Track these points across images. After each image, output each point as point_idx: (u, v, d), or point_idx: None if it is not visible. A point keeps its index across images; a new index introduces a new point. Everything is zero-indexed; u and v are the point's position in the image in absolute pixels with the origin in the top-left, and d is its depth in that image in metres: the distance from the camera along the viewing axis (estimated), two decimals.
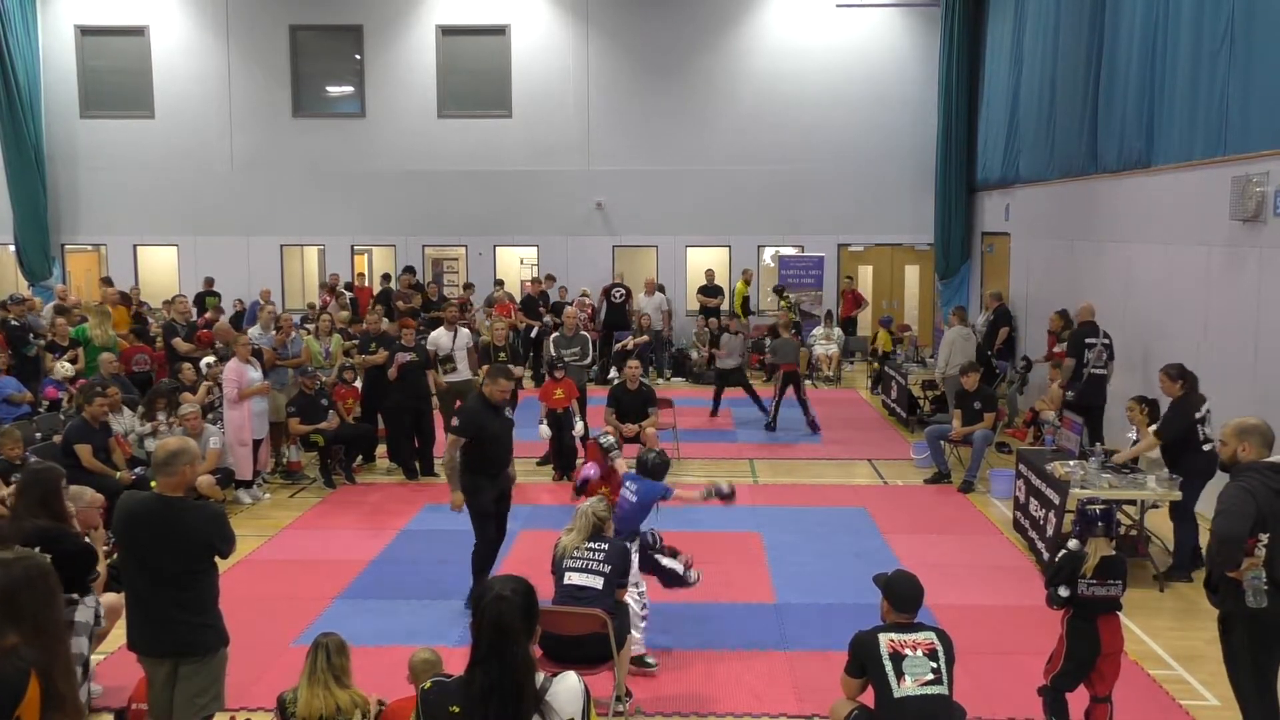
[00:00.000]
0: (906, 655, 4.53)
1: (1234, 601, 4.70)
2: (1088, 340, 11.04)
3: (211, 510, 4.82)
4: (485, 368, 9.77)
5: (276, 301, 18.12)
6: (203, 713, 4.71)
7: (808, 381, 17.82)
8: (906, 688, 4.46)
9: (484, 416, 7.33)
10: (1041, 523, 8.50)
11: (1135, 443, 8.65)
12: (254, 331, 11.70)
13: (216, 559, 4.76)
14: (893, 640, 4.59)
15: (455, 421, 7.34)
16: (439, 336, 11.76)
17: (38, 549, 5.09)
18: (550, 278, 19.16)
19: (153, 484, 4.96)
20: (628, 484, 7.05)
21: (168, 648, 4.65)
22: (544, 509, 10.17)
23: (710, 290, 19.19)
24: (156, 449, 4.77)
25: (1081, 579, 5.21)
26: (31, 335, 12.62)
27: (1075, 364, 11.04)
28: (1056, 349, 12.34)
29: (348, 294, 17.95)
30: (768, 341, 15.13)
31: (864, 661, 4.61)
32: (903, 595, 4.74)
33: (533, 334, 17.36)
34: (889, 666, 4.50)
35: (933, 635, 4.64)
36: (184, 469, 4.62)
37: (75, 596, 5.39)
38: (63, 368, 12.31)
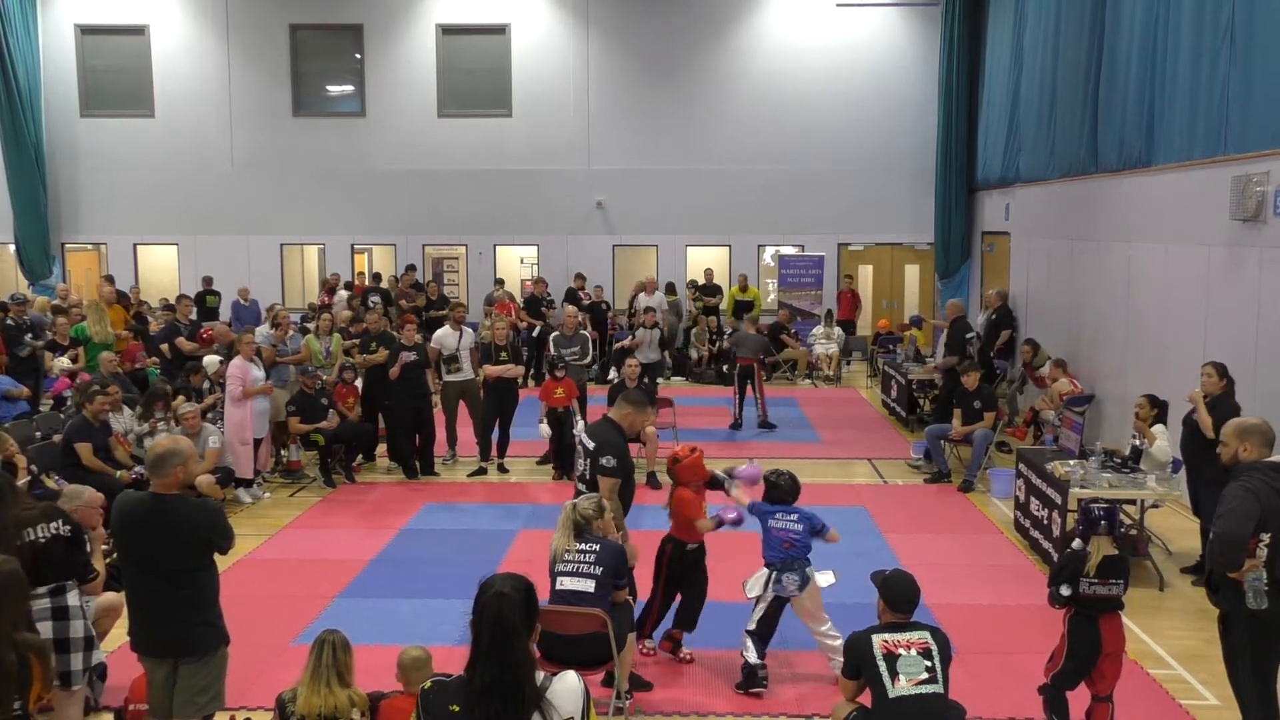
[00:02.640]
0: (900, 655, 4.53)
1: (1234, 601, 4.69)
2: (968, 335, 11.93)
3: (208, 507, 4.81)
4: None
5: (276, 301, 18.08)
6: (203, 712, 4.71)
7: (807, 381, 17.88)
8: (901, 687, 4.46)
9: (630, 461, 6.44)
10: (1045, 522, 8.50)
11: (1136, 444, 8.65)
12: (262, 330, 11.72)
13: (216, 557, 4.76)
14: (886, 640, 4.59)
15: (609, 462, 6.30)
16: (444, 335, 11.72)
17: (59, 520, 5.17)
18: (580, 277, 19.23)
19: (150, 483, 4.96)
20: (780, 516, 6.34)
21: (168, 647, 4.65)
22: (544, 509, 10.16)
23: (709, 289, 19.19)
24: (148, 451, 4.77)
25: (1083, 578, 5.21)
26: (29, 335, 12.56)
27: (960, 359, 11.92)
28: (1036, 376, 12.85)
29: (346, 293, 17.90)
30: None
31: (859, 663, 4.61)
32: (898, 594, 4.74)
33: (534, 333, 17.38)
34: (883, 666, 4.50)
35: (927, 634, 4.64)
36: (176, 470, 4.61)
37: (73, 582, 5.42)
38: (62, 363, 12.29)
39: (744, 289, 19.00)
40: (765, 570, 6.30)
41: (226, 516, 4.92)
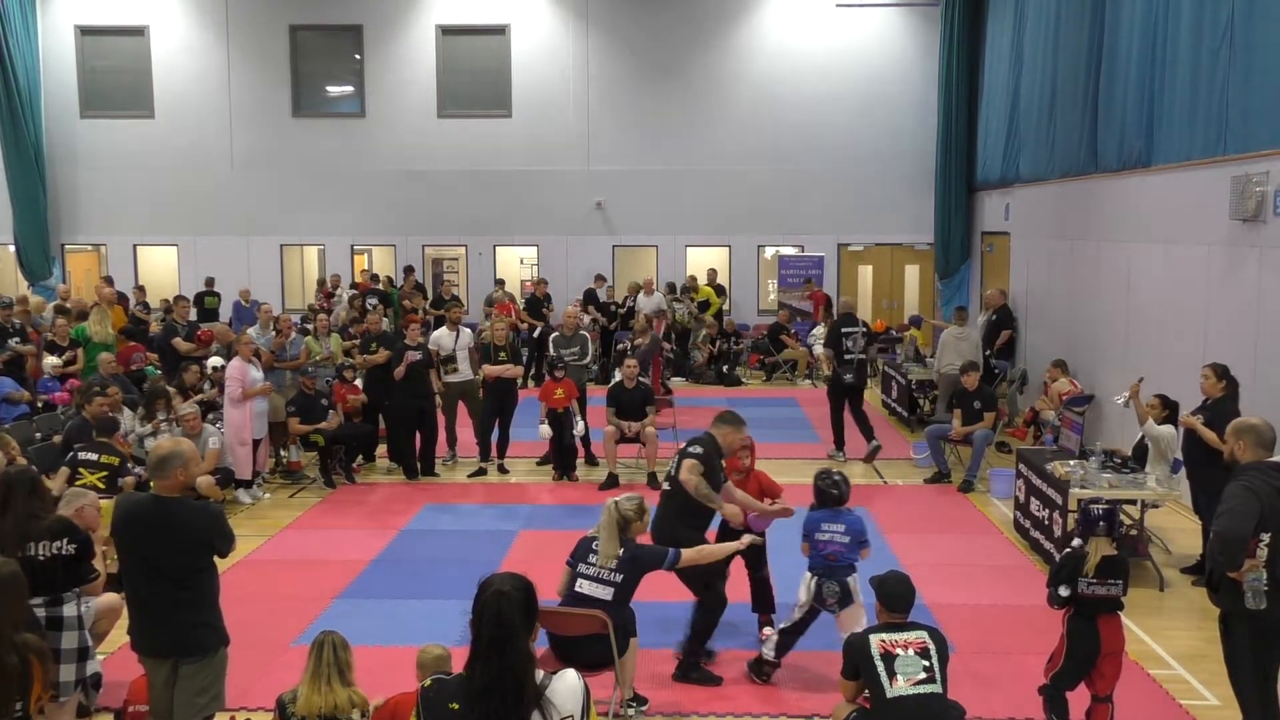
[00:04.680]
0: (898, 655, 4.54)
1: (1235, 601, 4.69)
2: (845, 330, 12.06)
3: (209, 509, 4.82)
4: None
5: (275, 301, 18.10)
6: (203, 712, 4.71)
7: (807, 381, 17.90)
8: (899, 687, 4.47)
9: (717, 462, 6.51)
10: (1046, 523, 8.49)
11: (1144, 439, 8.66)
12: (253, 332, 11.71)
13: (216, 559, 4.76)
14: (883, 641, 4.60)
15: (699, 449, 6.39)
16: (441, 336, 11.73)
17: (65, 540, 5.18)
18: (600, 278, 19.35)
19: (151, 485, 4.97)
20: (826, 526, 6.22)
21: (168, 648, 4.66)
22: (544, 509, 10.17)
23: (713, 290, 19.20)
24: (150, 453, 4.78)
25: (1082, 578, 5.21)
26: (16, 340, 12.38)
27: (836, 353, 12.10)
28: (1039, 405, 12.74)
29: (352, 292, 17.85)
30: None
31: (857, 664, 4.62)
32: (893, 595, 4.77)
33: (534, 334, 17.38)
34: (881, 667, 4.51)
35: (924, 634, 4.65)
36: (177, 471, 4.62)
37: (78, 591, 5.41)
38: (51, 362, 12.23)
39: (696, 290, 18.92)
40: (808, 574, 6.26)
41: (227, 520, 4.92)
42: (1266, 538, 4.60)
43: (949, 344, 13.10)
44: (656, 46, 19.93)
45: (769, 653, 6.31)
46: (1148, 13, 10.96)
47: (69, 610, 5.27)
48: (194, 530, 4.61)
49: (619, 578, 5.64)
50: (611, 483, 10.79)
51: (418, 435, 11.47)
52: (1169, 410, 8.60)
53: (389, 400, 11.54)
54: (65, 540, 5.24)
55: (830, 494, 6.28)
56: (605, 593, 5.63)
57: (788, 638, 6.32)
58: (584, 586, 5.67)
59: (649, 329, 14.79)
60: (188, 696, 4.65)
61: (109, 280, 17.21)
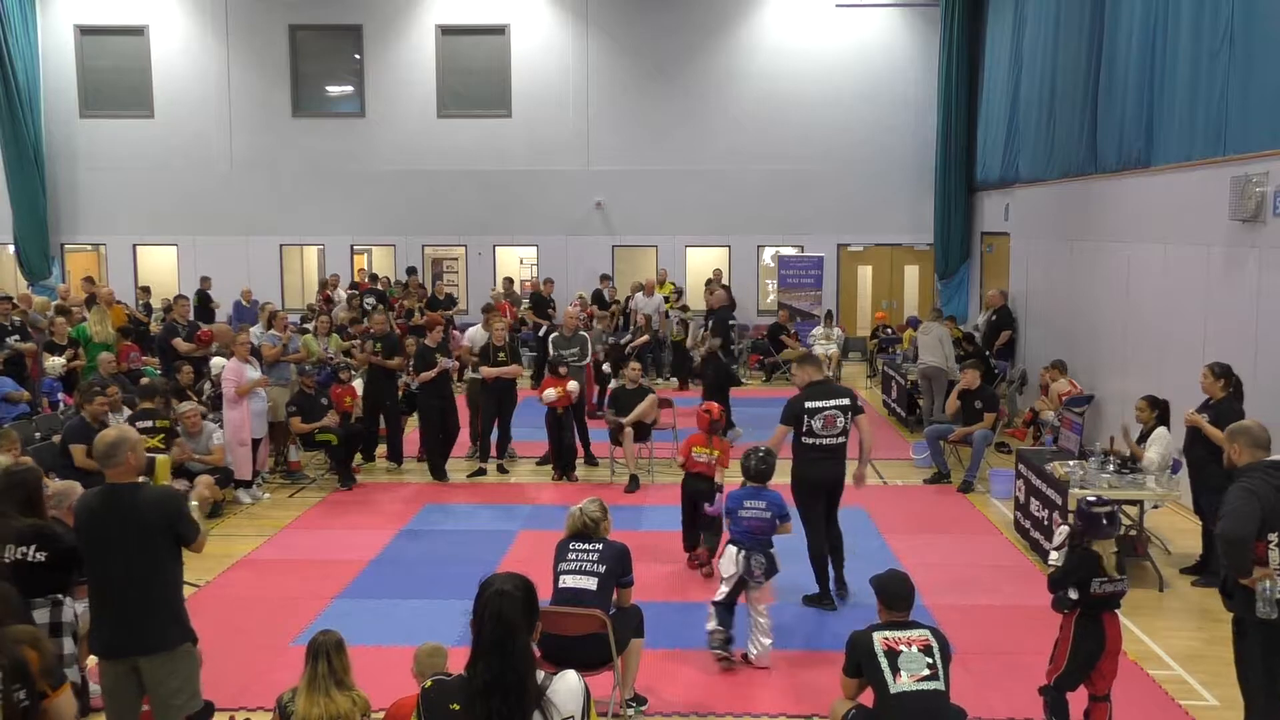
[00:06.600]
0: (902, 651, 4.55)
1: (1247, 606, 4.69)
2: (730, 321, 12.99)
3: (170, 494, 4.72)
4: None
5: (274, 301, 18.07)
6: (183, 712, 4.67)
7: None
8: (903, 683, 4.48)
9: (798, 406, 7.55)
10: (1046, 523, 8.48)
11: (1139, 443, 8.65)
12: (255, 330, 11.72)
13: (185, 555, 4.69)
14: (887, 638, 4.61)
15: (861, 400, 7.60)
16: (475, 334, 11.85)
17: (34, 546, 5.10)
18: (605, 277, 19.43)
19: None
20: (749, 504, 6.65)
21: (129, 645, 4.56)
22: (544, 509, 10.16)
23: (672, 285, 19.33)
24: (95, 444, 4.64)
25: (1097, 579, 5.20)
26: (15, 337, 12.34)
27: (724, 341, 12.89)
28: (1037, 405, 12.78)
29: (351, 292, 17.85)
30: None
31: (860, 660, 4.62)
32: (893, 594, 4.78)
33: (540, 333, 17.36)
34: (884, 663, 4.52)
35: (927, 632, 4.66)
36: (128, 455, 4.53)
37: (60, 597, 5.35)
38: (53, 364, 12.20)
39: (661, 284, 19.09)
40: (733, 549, 6.57)
41: (186, 504, 4.80)
42: (1274, 538, 4.60)
43: (920, 341, 13.33)
44: (656, 46, 19.93)
45: (711, 625, 6.57)
46: (1147, 13, 10.97)
47: (38, 618, 5.15)
48: (154, 515, 4.52)
49: (602, 568, 5.68)
50: (634, 485, 10.81)
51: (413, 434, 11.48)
52: (1158, 410, 8.59)
53: (388, 401, 11.56)
54: (33, 547, 5.12)
55: (760, 470, 6.79)
56: (590, 583, 5.64)
57: (724, 611, 6.57)
58: (568, 581, 5.69)
59: (612, 322, 14.69)
60: (163, 700, 4.59)
61: (90, 280, 17.08)
